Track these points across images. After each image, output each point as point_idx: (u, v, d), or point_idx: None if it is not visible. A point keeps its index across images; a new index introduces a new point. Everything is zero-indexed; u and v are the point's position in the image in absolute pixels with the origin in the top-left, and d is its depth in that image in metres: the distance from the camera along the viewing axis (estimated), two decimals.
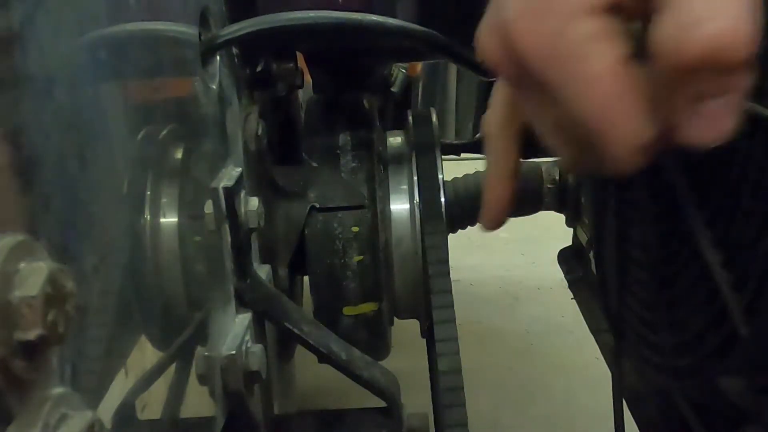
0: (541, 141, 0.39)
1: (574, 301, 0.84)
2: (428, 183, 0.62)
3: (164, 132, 0.41)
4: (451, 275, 0.56)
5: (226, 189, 0.44)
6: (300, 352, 0.59)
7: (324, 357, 0.51)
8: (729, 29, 0.30)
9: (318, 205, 0.59)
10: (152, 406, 0.37)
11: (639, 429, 0.66)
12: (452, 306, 0.55)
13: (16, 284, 0.23)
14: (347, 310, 0.59)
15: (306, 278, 0.63)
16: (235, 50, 0.51)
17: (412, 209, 0.61)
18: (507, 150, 0.42)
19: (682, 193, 0.46)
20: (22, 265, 0.23)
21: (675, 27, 0.31)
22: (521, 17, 0.35)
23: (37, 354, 0.23)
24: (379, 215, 0.60)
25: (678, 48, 0.30)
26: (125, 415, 0.33)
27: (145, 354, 0.37)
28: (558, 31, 0.34)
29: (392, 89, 0.87)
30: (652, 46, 0.31)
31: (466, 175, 0.73)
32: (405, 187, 0.62)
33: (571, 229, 0.82)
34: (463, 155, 0.98)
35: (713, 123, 0.32)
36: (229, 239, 0.46)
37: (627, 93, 0.33)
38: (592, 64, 0.33)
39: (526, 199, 0.74)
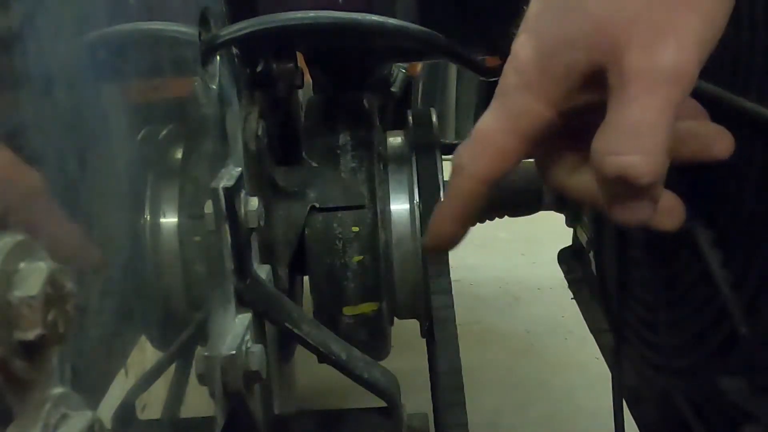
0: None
1: (574, 301, 0.84)
2: (428, 183, 0.62)
3: (164, 132, 0.41)
4: (451, 275, 0.56)
5: (226, 189, 0.44)
6: (300, 352, 0.59)
7: (324, 357, 0.51)
8: (635, 163, 0.36)
9: (318, 205, 0.59)
10: (152, 406, 0.37)
11: (639, 429, 0.66)
12: (452, 306, 0.55)
13: (16, 284, 0.23)
14: (347, 310, 0.59)
15: (306, 278, 0.63)
16: (235, 50, 0.51)
17: (412, 209, 0.61)
18: (475, 193, 0.43)
19: (682, 193, 0.46)
20: (22, 265, 0.23)
21: (600, 148, 0.37)
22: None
23: (37, 354, 0.23)
24: (379, 215, 0.60)
25: (599, 165, 0.37)
26: (125, 415, 0.33)
27: (145, 354, 0.37)
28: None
29: (392, 89, 0.87)
30: (591, 153, 0.38)
31: None
32: (405, 187, 0.62)
33: (571, 229, 0.82)
34: None
35: (631, 212, 0.38)
36: (229, 239, 0.46)
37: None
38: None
39: (525, 199, 0.74)
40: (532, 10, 0.41)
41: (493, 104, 0.41)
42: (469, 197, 0.42)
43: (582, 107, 0.40)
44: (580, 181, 0.42)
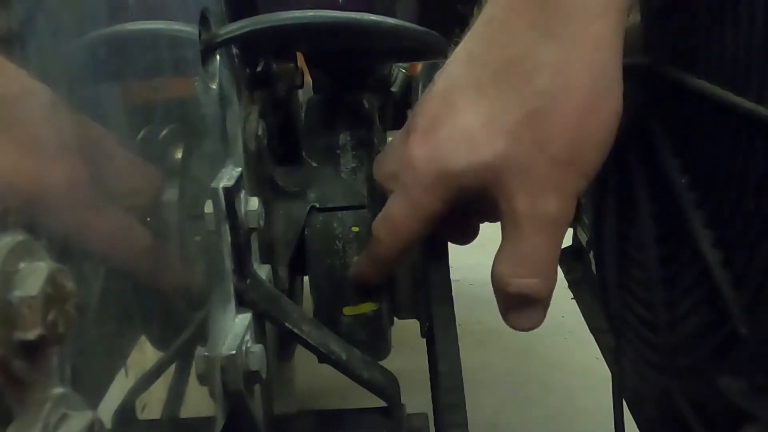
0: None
1: (574, 301, 0.84)
2: None
3: (164, 132, 0.41)
4: (451, 275, 0.56)
5: (226, 189, 0.44)
6: (300, 352, 0.59)
7: (324, 357, 0.51)
8: (534, 284, 0.45)
9: (318, 205, 0.58)
10: (152, 406, 0.37)
11: (639, 429, 0.66)
12: (452, 306, 0.55)
13: (16, 284, 0.23)
14: (347, 310, 0.59)
15: (306, 278, 0.63)
16: (235, 50, 0.51)
17: None
18: (389, 259, 0.53)
19: (682, 192, 0.46)
20: (22, 265, 0.23)
21: (503, 272, 0.46)
22: None
23: (37, 354, 0.23)
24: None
25: (504, 286, 0.46)
26: (125, 415, 0.33)
27: (145, 354, 0.37)
28: None
29: (392, 89, 0.87)
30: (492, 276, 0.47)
31: None
32: None
33: (571, 230, 0.82)
34: None
35: (526, 320, 0.48)
36: (229, 239, 0.45)
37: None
38: None
39: None
40: (426, 112, 0.47)
41: (398, 192, 0.49)
42: (385, 261, 0.53)
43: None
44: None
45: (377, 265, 0.54)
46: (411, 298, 0.61)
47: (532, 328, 0.48)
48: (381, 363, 0.54)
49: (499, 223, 0.47)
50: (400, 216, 0.49)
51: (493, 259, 0.47)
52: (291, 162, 0.64)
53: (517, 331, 0.51)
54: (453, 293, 0.56)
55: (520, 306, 0.47)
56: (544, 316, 0.48)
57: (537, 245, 0.44)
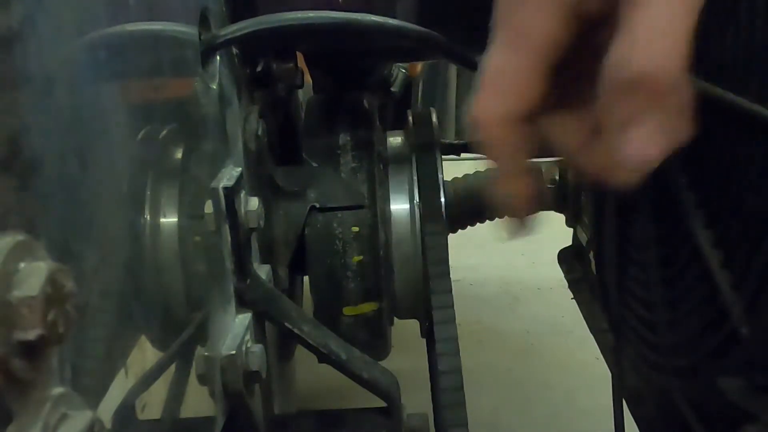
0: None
1: (574, 301, 0.84)
2: (428, 183, 0.62)
3: (164, 132, 0.41)
4: (451, 275, 0.56)
5: (226, 189, 0.44)
6: (300, 352, 0.59)
7: (324, 357, 0.51)
8: (662, 62, 0.34)
9: (318, 205, 0.59)
10: (152, 406, 0.37)
11: (639, 429, 0.66)
12: (452, 306, 0.55)
13: (16, 284, 0.23)
14: (347, 310, 0.59)
15: (306, 278, 0.63)
16: (235, 50, 0.51)
17: (412, 209, 0.62)
18: (515, 142, 0.39)
19: (682, 193, 0.46)
20: (22, 265, 0.23)
21: (622, 54, 0.35)
22: None
23: (37, 354, 0.23)
24: (379, 215, 0.60)
25: (621, 71, 0.35)
26: (125, 415, 0.34)
27: (145, 354, 0.37)
28: None
29: (392, 89, 0.87)
30: (604, 69, 0.35)
31: (466, 175, 0.73)
32: (405, 187, 0.62)
33: (571, 229, 0.82)
34: (463, 155, 0.98)
35: (642, 148, 0.35)
36: (229, 239, 0.46)
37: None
38: None
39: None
40: None
41: (498, 32, 0.38)
42: (510, 145, 0.39)
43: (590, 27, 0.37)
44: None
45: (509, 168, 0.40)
46: (411, 298, 0.62)
47: (646, 161, 0.36)
48: (381, 363, 0.54)
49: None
50: (529, 20, 0.37)
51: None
52: (291, 162, 0.64)
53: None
54: (453, 293, 0.56)
55: (636, 112, 0.35)
56: (664, 140, 0.36)
57: (667, 12, 0.34)
